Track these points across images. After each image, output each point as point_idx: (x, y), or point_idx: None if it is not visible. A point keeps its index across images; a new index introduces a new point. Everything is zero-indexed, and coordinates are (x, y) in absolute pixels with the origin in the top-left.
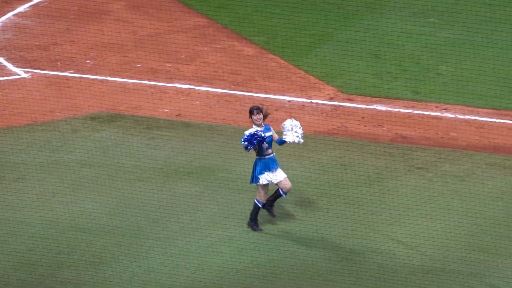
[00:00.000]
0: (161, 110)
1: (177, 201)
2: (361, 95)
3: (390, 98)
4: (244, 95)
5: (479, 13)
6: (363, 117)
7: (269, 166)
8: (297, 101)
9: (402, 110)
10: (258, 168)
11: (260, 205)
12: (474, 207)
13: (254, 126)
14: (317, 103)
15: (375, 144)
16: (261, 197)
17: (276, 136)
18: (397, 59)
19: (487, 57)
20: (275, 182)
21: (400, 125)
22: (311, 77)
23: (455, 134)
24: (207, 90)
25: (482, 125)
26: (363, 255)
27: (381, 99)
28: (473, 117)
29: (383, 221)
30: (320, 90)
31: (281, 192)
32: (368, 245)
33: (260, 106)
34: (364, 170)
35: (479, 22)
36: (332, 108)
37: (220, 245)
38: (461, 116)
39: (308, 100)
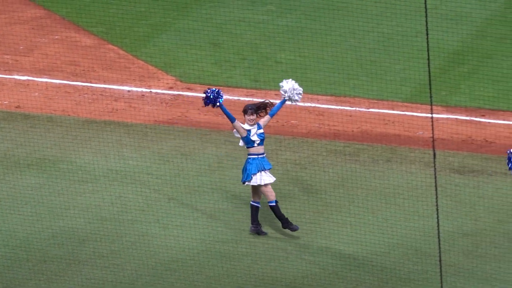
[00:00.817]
0: None
1: (17, 193)
2: (200, 84)
3: (230, 87)
4: (84, 86)
5: (317, 0)
6: (203, 106)
7: (263, 165)
8: (136, 91)
9: (242, 98)
10: (249, 167)
11: (256, 205)
12: (316, 194)
13: (246, 124)
14: (156, 93)
15: (216, 133)
16: (255, 197)
17: (266, 119)
18: (236, 47)
19: (325, 45)
20: (263, 183)
21: (241, 114)
22: (150, 66)
23: (296, 121)
24: (46, 81)
25: (322, 112)
26: (205, 244)
27: (221, 87)
28: (313, 105)
29: (225, 210)
30: (159, 80)
31: (270, 203)
32: (210, 234)
33: (268, 102)
34: (205, 159)
35: (317, 9)
36: (172, 97)
37: (62, 236)
38: (301, 104)
39: (148, 90)
